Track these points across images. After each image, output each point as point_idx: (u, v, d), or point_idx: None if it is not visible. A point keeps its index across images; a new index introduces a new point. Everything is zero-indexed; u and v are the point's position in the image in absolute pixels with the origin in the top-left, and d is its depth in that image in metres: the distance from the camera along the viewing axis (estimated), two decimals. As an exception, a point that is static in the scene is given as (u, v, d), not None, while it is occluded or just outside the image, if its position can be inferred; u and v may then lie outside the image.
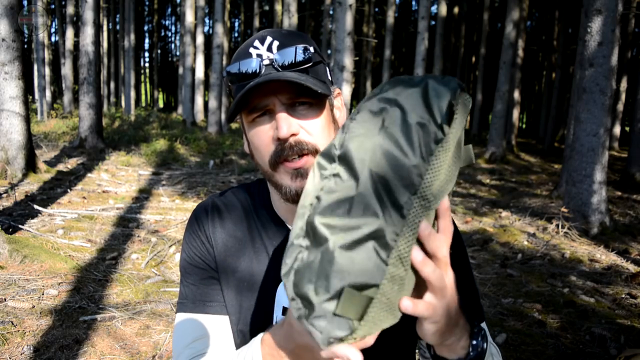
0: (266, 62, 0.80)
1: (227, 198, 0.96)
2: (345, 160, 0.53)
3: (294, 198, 0.81)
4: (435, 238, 0.54)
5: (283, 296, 0.87)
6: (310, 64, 0.81)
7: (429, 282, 0.55)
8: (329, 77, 0.88)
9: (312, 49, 0.82)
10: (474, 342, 0.67)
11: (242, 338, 0.89)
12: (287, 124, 0.78)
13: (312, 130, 0.81)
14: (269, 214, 0.93)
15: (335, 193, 0.52)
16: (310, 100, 0.81)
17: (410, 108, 0.53)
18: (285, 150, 0.79)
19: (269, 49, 0.81)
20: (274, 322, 0.87)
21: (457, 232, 0.85)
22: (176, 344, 0.88)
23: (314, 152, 0.81)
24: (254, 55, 0.81)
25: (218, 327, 0.89)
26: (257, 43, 0.82)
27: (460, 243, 0.91)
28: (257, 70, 0.79)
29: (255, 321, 0.88)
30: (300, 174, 0.80)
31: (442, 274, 0.56)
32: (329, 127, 0.84)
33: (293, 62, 0.80)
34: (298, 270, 0.52)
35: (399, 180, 0.50)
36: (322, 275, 0.50)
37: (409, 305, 0.54)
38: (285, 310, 0.87)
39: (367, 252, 0.50)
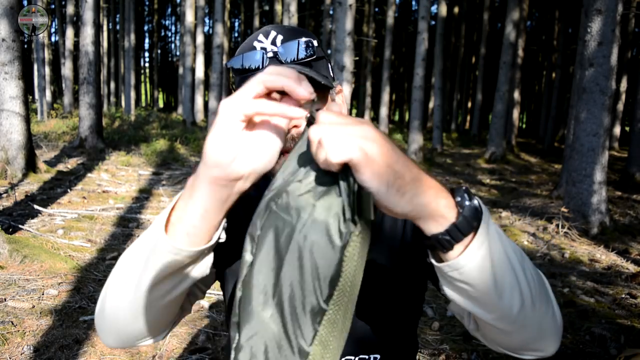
0: (270, 54, 0.81)
1: None
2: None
3: None
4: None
5: None
6: (313, 58, 0.82)
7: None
8: (331, 73, 0.89)
9: (315, 43, 0.83)
10: (458, 198, 0.54)
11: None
12: None
13: None
14: None
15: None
16: None
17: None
18: (287, 142, 0.79)
19: (273, 42, 0.83)
20: None
21: None
22: None
23: None
24: (258, 48, 0.82)
25: None
26: (261, 37, 0.84)
27: None
28: (261, 64, 0.80)
29: None
30: None
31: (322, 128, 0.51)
32: None
33: (296, 55, 0.80)
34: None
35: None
36: None
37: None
38: None
39: None
